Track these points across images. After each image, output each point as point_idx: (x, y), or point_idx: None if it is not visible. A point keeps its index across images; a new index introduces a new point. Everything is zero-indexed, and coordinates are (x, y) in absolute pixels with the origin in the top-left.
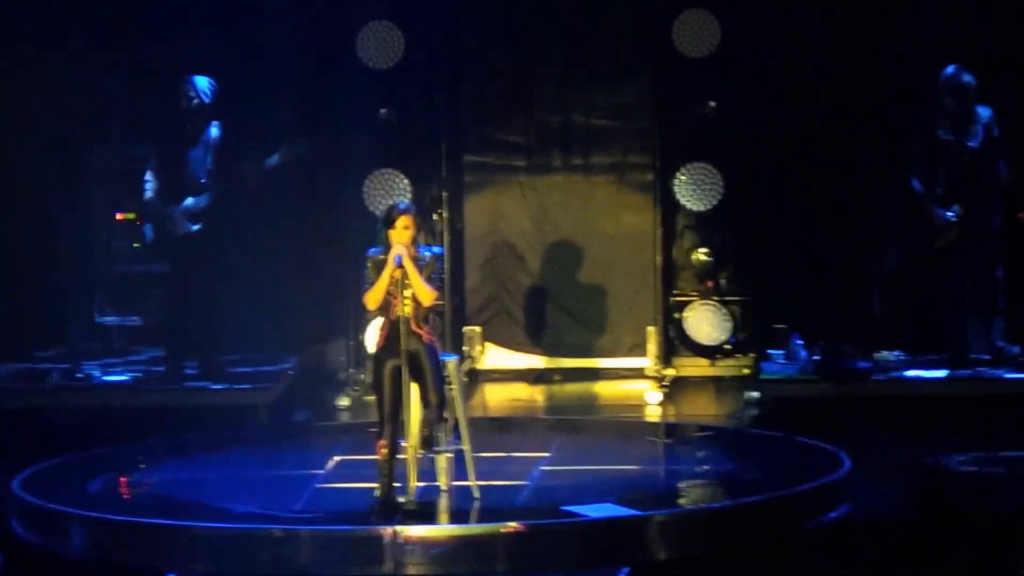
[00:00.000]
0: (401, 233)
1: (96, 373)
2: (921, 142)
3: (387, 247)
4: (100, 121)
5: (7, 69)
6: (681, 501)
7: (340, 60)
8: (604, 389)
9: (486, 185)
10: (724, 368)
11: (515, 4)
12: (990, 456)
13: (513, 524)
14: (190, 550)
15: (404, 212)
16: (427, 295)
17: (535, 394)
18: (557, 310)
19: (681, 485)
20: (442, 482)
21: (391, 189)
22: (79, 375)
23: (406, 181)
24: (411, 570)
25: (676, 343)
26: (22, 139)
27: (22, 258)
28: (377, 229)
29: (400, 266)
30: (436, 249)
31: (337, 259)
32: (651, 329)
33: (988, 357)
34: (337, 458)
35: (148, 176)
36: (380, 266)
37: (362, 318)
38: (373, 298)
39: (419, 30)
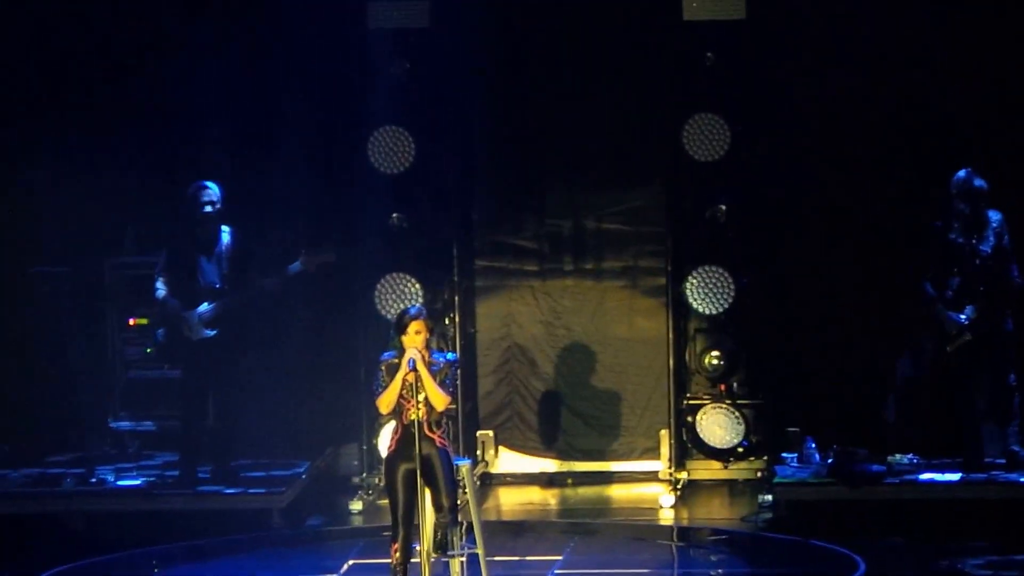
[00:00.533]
0: (413, 338)
1: (110, 478)
2: (933, 245)
3: (401, 352)
4: (113, 229)
5: (21, 178)
6: None
7: (351, 165)
8: (617, 493)
9: (498, 290)
10: (737, 471)
11: (525, 108)
12: (1005, 560)
13: None
14: None
15: (415, 317)
16: (440, 400)
17: (548, 498)
18: (570, 414)
19: None
20: None
21: (402, 293)
22: (93, 480)
23: (417, 286)
24: None
25: (689, 446)
26: (34, 247)
27: (35, 364)
28: (390, 335)
29: (414, 370)
30: (450, 356)
31: (350, 364)
32: (664, 432)
33: (1003, 461)
34: (351, 562)
35: (157, 278)
36: (394, 370)
37: (375, 422)
38: (386, 402)
39: (429, 135)
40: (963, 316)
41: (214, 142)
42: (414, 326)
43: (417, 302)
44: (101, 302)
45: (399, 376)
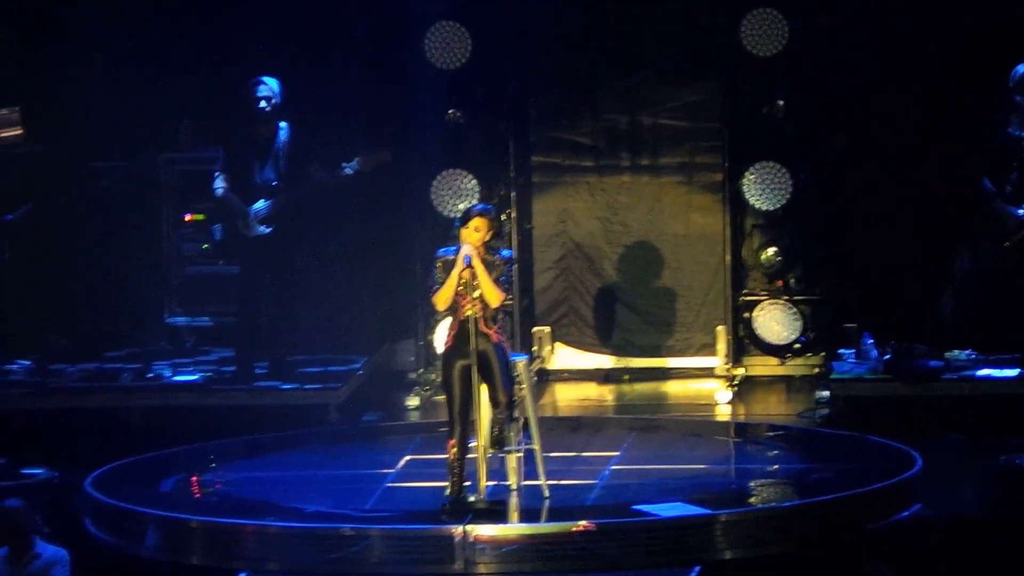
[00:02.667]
0: (472, 234)
1: (166, 373)
2: (992, 140)
3: (458, 247)
4: (169, 124)
5: (76, 73)
6: (751, 501)
7: (407, 62)
8: (674, 389)
9: (554, 186)
10: (794, 367)
11: (582, 2)
12: None
13: (583, 523)
14: (262, 549)
15: (479, 214)
16: (495, 296)
17: (605, 394)
18: (626, 310)
19: (751, 485)
20: (512, 481)
21: (459, 190)
22: (149, 375)
23: (474, 182)
24: (481, 569)
25: (746, 343)
26: (91, 142)
27: (92, 260)
28: (454, 227)
29: (469, 266)
30: (505, 252)
31: (405, 260)
32: (720, 329)
33: None
34: (407, 458)
35: (217, 175)
36: (449, 266)
37: (431, 318)
38: (442, 298)
39: (486, 30)
40: (1021, 211)
41: (269, 38)
42: (475, 222)
43: (475, 198)
44: (156, 198)
45: (455, 272)
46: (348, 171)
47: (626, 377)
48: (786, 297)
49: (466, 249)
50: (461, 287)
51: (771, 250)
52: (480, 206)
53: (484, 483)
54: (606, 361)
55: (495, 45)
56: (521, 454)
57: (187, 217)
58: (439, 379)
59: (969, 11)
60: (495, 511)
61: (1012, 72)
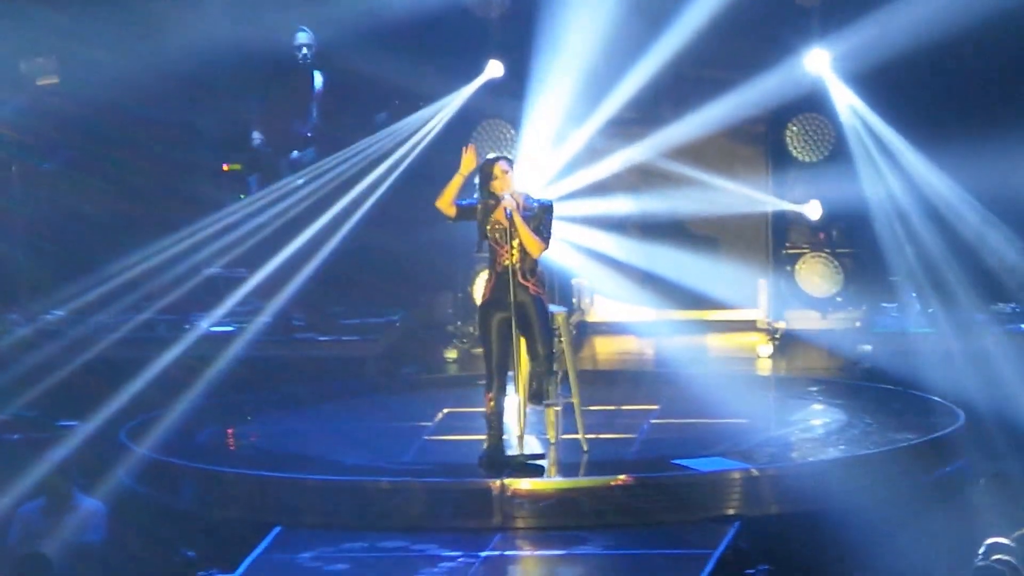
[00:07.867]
0: (502, 181)
1: (203, 324)
2: None
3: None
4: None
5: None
6: (792, 455)
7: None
8: (714, 342)
9: None
10: (835, 321)
11: None
12: None
13: (623, 477)
14: (299, 502)
15: (497, 159)
16: (535, 246)
17: (645, 347)
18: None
19: (791, 439)
20: (551, 435)
21: (499, 139)
22: (186, 326)
23: (513, 131)
24: (519, 523)
25: (787, 296)
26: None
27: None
28: (476, 184)
29: (509, 218)
30: (544, 200)
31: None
32: (762, 282)
33: None
34: (445, 411)
35: (255, 127)
36: (486, 209)
37: (470, 271)
38: (445, 200)
39: None
40: None
41: None
42: (497, 169)
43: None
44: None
45: (458, 177)
46: (380, 123)
47: (667, 330)
48: (828, 250)
49: (507, 201)
50: (499, 235)
51: (814, 203)
52: (494, 155)
53: (522, 437)
54: (647, 313)
55: None
56: (560, 408)
57: (224, 167)
58: (477, 332)
59: None
60: (533, 465)
61: None
